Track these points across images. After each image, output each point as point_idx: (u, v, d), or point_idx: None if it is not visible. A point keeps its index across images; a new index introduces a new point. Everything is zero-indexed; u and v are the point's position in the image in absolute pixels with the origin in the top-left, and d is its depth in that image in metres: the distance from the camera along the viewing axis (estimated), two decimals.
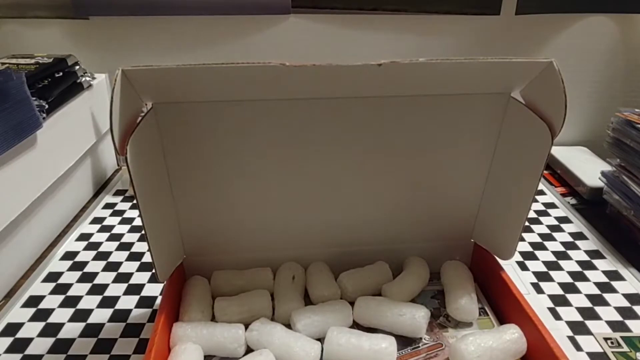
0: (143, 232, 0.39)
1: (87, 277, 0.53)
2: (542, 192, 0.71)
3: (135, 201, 0.41)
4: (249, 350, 0.41)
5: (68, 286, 0.52)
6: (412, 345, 0.42)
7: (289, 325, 0.42)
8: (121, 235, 0.61)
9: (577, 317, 0.47)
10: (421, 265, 0.49)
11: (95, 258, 0.57)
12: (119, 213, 0.66)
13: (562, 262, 0.56)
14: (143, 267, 0.55)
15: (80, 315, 0.48)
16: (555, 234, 0.61)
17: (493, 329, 0.41)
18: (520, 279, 0.53)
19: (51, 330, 0.46)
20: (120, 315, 0.48)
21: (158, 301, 0.50)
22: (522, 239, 0.60)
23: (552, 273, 0.54)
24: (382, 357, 0.39)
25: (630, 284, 0.52)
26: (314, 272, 0.48)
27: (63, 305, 0.49)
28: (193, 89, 0.38)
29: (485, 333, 0.40)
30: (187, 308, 0.44)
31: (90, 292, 0.51)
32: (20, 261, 0.55)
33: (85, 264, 0.56)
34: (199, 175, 0.43)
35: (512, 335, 0.39)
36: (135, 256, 0.57)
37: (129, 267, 0.55)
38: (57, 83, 0.60)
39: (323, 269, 0.48)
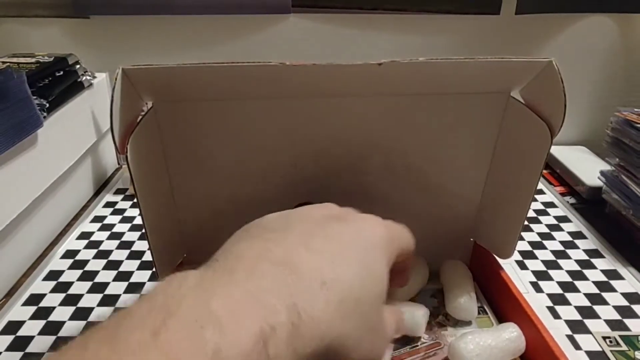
0: (143, 230, 0.39)
1: (88, 276, 0.53)
2: (541, 192, 0.71)
3: (135, 200, 0.41)
4: None
5: (69, 284, 0.52)
6: (411, 344, 0.42)
7: None
8: (122, 233, 0.61)
9: (576, 316, 0.48)
10: (421, 265, 0.49)
11: (95, 257, 0.57)
12: (120, 212, 0.66)
13: (561, 261, 0.56)
14: (143, 266, 0.55)
15: (81, 314, 0.48)
16: (554, 233, 0.61)
17: (492, 328, 0.41)
18: (519, 278, 0.53)
19: (52, 328, 0.46)
20: None
21: None
22: (522, 238, 0.60)
23: (551, 272, 0.54)
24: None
25: (629, 283, 0.52)
26: None
27: (64, 303, 0.49)
28: (193, 88, 0.38)
29: (484, 332, 0.40)
30: None
31: (91, 290, 0.51)
32: (20, 260, 0.55)
33: (85, 262, 0.56)
34: (199, 173, 0.43)
35: (510, 333, 0.40)
36: (135, 255, 0.57)
37: (130, 265, 0.55)
38: (58, 82, 0.60)
39: None
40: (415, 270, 0.48)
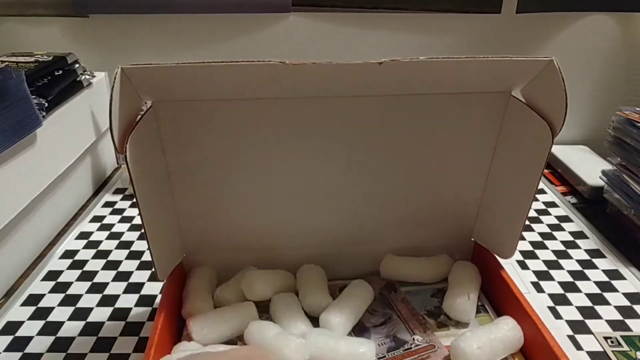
0: (143, 230, 0.39)
1: (87, 276, 0.53)
2: (542, 191, 0.71)
3: (134, 199, 0.41)
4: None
5: (68, 285, 0.52)
6: (404, 347, 0.41)
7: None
8: (121, 233, 0.61)
9: (577, 316, 0.47)
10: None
11: (95, 256, 0.57)
12: (119, 211, 0.66)
13: (562, 261, 0.55)
14: (143, 266, 0.55)
15: (80, 314, 0.48)
16: (555, 233, 0.61)
17: (488, 324, 0.41)
18: (520, 278, 0.53)
19: (51, 328, 0.46)
20: (120, 314, 0.48)
21: (158, 300, 0.50)
22: (523, 238, 0.60)
23: (553, 272, 0.54)
24: None
25: (631, 283, 0.52)
26: (309, 281, 0.47)
27: (63, 303, 0.49)
28: (192, 87, 0.38)
29: (482, 328, 0.40)
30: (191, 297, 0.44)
31: (90, 290, 0.51)
32: (19, 260, 0.55)
33: (84, 262, 0.56)
34: (198, 173, 0.43)
35: (506, 325, 0.40)
36: (135, 255, 0.57)
37: (129, 265, 0.55)
38: (57, 81, 0.60)
39: (317, 277, 0.47)
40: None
